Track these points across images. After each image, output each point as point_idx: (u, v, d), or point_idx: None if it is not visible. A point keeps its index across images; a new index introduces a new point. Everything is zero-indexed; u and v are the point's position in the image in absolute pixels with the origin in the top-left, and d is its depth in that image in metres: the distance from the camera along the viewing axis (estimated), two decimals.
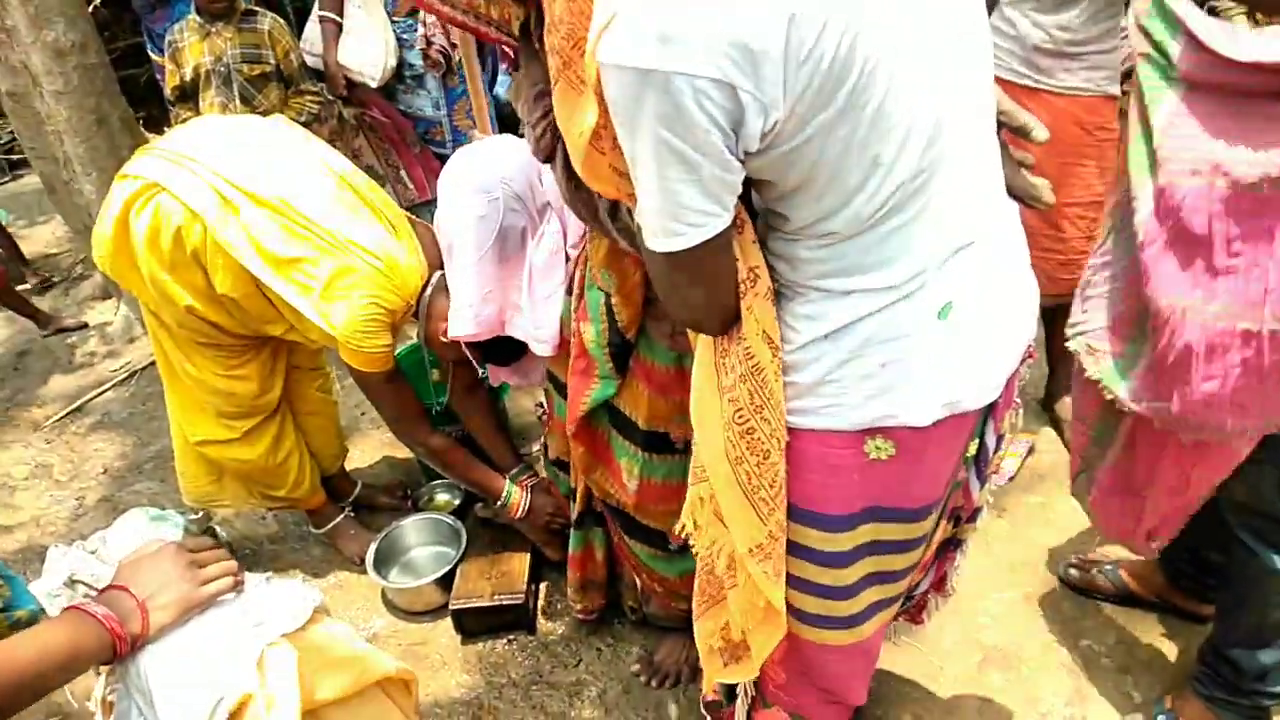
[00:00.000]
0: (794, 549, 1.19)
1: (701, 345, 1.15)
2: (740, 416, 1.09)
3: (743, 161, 0.92)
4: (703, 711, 1.46)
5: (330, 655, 1.20)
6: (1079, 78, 2.21)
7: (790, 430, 1.11)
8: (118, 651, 1.07)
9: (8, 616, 1.74)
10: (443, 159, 3.44)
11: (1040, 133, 1.15)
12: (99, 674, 1.20)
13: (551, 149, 1.34)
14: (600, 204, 1.30)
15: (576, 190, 1.30)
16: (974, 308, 1.05)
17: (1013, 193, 1.18)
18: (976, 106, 1.04)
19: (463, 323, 1.87)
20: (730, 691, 1.50)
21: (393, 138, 3.41)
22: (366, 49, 3.17)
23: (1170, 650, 2.04)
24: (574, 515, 1.94)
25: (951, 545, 1.50)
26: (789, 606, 1.26)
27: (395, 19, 3.19)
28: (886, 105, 0.89)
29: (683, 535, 1.31)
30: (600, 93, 0.90)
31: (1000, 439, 1.29)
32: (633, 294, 1.50)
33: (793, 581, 1.23)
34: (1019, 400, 1.30)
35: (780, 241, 1.06)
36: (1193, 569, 1.95)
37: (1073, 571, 2.20)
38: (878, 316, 1.02)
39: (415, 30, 3.21)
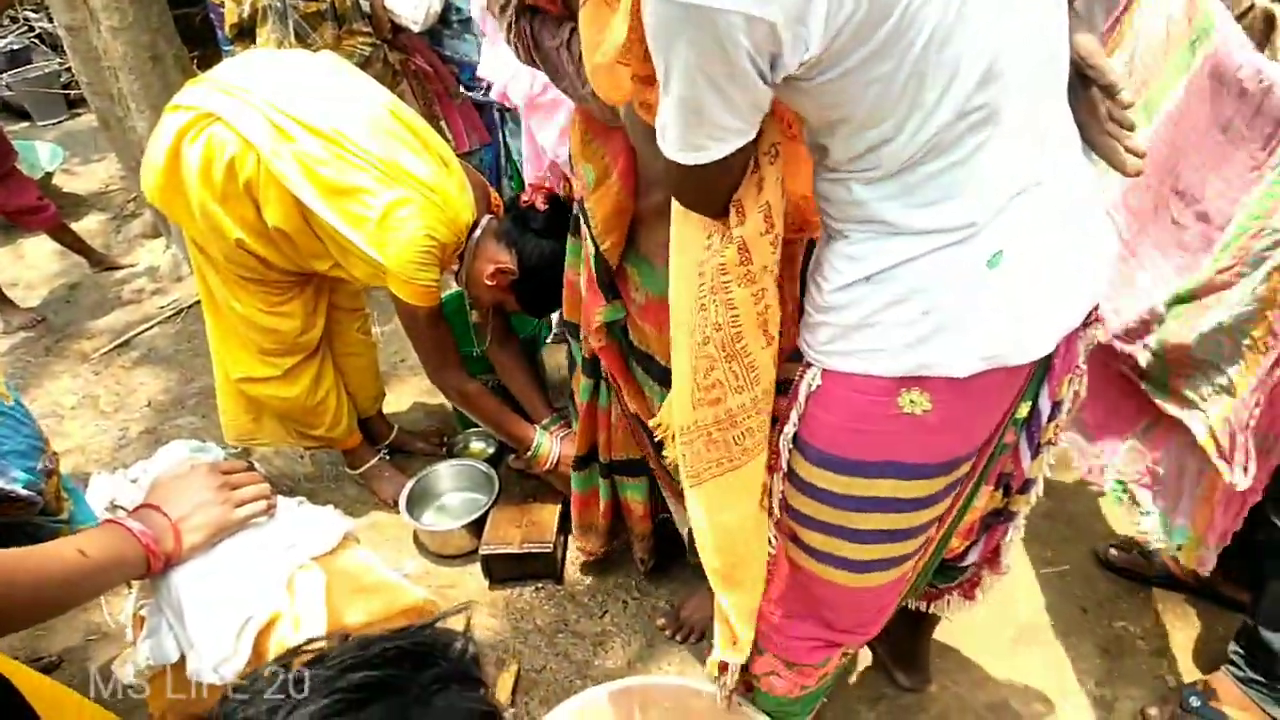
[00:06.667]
0: (808, 489, 1.20)
1: (681, 216, 1.13)
2: (702, 289, 1.08)
3: (776, 86, 0.91)
4: (713, 673, 1.45)
5: (359, 582, 1.21)
6: None
7: (823, 372, 1.11)
8: (151, 568, 1.08)
9: (71, 529, 1.78)
10: (482, 108, 3.44)
11: (1128, 95, 1.09)
12: (130, 590, 1.22)
13: (529, 52, 1.39)
14: (584, 80, 1.32)
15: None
16: (1028, 257, 1.01)
17: (1097, 151, 1.13)
18: (1047, 52, 0.99)
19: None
20: None
21: (436, 88, 3.38)
22: None
23: (1208, 636, 1.99)
24: (574, 456, 1.98)
25: (1002, 517, 1.45)
26: (799, 541, 1.27)
27: None
28: (931, 46, 0.87)
29: (659, 436, 1.33)
30: (636, 10, 0.91)
31: (1058, 406, 1.24)
32: (609, 192, 1.49)
33: (801, 519, 1.24)
34: (1083, 366, 1.24)
35: (825, 181, 1.04)
36: (1243, 554, 1.89)
37: (1114, 552, 2.15)
38: (923, 260, 0.99)
39: None
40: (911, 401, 1.06)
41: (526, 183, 2.73)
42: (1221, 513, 1.64)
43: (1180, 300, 1.57)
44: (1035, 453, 1.30)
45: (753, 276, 1.06)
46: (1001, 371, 1.06)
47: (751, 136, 0.96)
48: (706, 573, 1.33)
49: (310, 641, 0.67)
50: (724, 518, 1.24)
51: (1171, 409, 1.62)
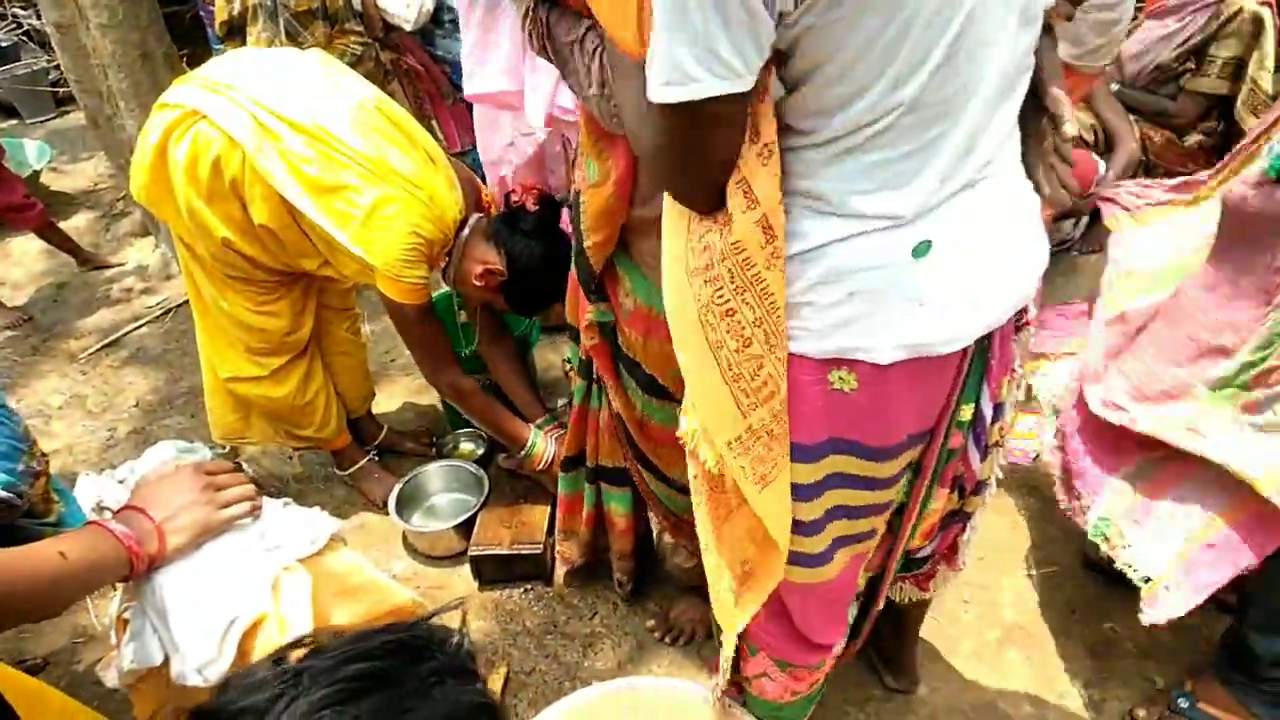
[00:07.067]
0: None
1: (671, 229, 1.12)
2: (720, 297, 1.05)
3: (777, 22, 0.88)
4: (720, 665, 1.45)
5: (345, 583, 1.21)
6: None
7: None
8: (134, 570, 1.07)
9: (59, 532, 1.77)
10: (474, 108, 3.43)
11: (1070, 129, 1.10)
12: (115, 589, 1.21)
13: (543, 41, 1.37)
14: (592, 80, 1.31)
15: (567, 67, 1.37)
16: (957, 251, 1.02)
17: (1034, 175, 1.14)
18: (1014, 56, 0.99)
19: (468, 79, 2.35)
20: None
21: (428, 88, 3.38)
22: None
23: (1196, 638, 2.00)
24: (561, 458, 1.97)
25: (958, 518, 1.47)
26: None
27: None
28: (918, 18, 0.87)
29: (681, 438, 1.29)
30: None
31: (999, 408, 1.26)
32: (602, 194, 1.47)
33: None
34: (1020, 370, 1.25)
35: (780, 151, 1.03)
36: None
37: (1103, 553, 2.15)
38: (850, 243, 1.00)
39: None
40: (840, 379, 1.07)
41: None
42: (1210, 559, 1.59)
43: (1226, 384, 1.52)
44: (984, 455, 1.31)
45: (779, 251, 1.03)
46: (924, 361, 1.06)
47: (746, 86, 0.91)
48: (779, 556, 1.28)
49: (302, 638, 0.67)
50: (781, 506, 1.20)
51: (1192, 446, 1.53)
